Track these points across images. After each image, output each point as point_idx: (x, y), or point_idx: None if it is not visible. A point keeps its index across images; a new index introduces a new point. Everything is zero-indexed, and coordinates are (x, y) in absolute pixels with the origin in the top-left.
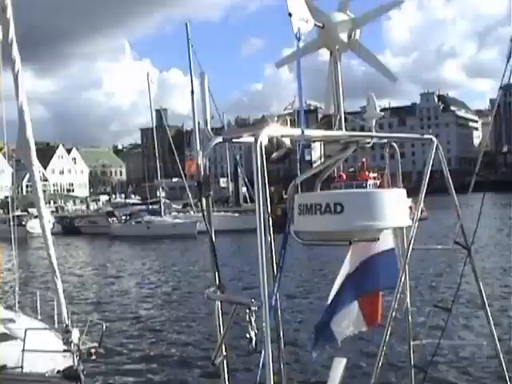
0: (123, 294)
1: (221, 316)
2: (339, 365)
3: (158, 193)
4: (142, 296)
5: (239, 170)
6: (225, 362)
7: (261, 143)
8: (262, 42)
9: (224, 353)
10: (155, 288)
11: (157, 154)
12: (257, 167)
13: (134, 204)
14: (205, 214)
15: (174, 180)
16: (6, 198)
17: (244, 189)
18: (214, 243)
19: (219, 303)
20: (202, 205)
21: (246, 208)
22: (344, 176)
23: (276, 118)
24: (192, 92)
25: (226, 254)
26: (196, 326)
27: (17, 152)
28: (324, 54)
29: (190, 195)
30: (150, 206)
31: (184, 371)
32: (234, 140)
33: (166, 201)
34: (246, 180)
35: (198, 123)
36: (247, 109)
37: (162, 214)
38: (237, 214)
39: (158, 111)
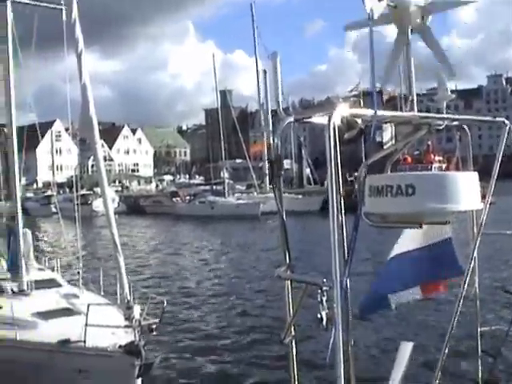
0: (186, 272)
1: (290, 295)
2: (406, 349)
3: (221, 173)
4: (204, 275)
5: (303, 151)
6: (293, 341)
7: (334, 123)
8: (326, 23)
9: (293, 332)
10: (218, 267)
11: (221, 135)
12: (329, 147)
13: (197, 184)
14: (276, 193)
15: (238, 161)
16: (72, 177)
17: (307, 170)
18: (285, 223)
19: (289, 283)
20: (273, 184)
21: (310, 190)
22: (409, 159)
23: (341, 100)
24: (257, 73)
25: (289, 235)
26: (259, 304)
27: (80, 131)
28: (387, 36)
29: (253, 176)
30: (214, 187)
31: (250, 350)
32: (305, 120)
33: (230, 182)
34: (310, 161)
35: (263, 104)
36: (311, 90)
37: (226, 194)
38: (300, 196)
39: (222, 92)
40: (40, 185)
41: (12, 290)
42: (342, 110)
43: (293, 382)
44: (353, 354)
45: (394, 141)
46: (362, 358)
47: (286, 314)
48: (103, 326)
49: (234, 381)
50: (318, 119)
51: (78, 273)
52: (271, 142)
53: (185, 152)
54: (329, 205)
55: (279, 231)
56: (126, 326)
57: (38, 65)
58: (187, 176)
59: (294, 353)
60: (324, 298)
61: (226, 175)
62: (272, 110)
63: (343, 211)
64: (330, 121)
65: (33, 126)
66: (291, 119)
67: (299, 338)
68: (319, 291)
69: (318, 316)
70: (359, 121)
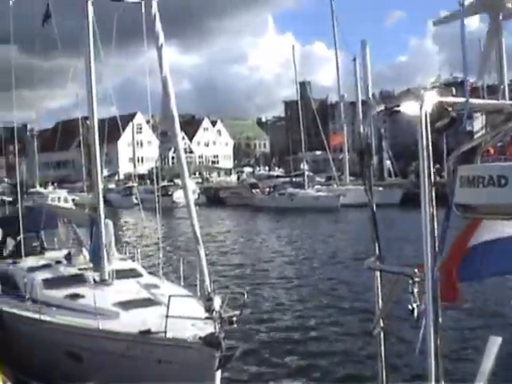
0: (265, 263)
1: (380, 287)
2: (494, 344)
3: (301, 165)
4: (284, 267)
5: (383, 143)
6: (382, 333)
7: (426, 112)
8: (406, 14)
9: (382, 324)
10: (297, 259)
11: (301, 127)
12: (421, 137)
13: (277, 176)
14: (366, 184)
15: (318, 153)
16: (153, 168)
17: (388, 162)
18: (375, 213)
19: (378, 274)
20: (363, 175)
21: (390, 182)
22: (492, 150)
23: (422, 91)
24: (337, 64)
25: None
26: (340, 295)
27: (162, 124)
28: (471, 25)
29: (333, 168)
30: (294, 179)
31: (333, 342)
32: (395, 109)
33: (310, 173)
34: (390, 153)
35: (343, 96)
36: (391, 81)
37: (306, 186)
38: (380, 188)
39: (302, 84)
40: (121, 176)
41: (94, 280)
42: (433, 98)
43: (381, 374)
44: (442, 347)
45: (484, 130)
46: (448, 350)
47: (374, 305)
48: (184, 318)
49: (317, 374)
50: (408, 108)
51: (159, 263)
52: (360, 131)
53: (264, 144)
54: (421, 195)
55: (369, 222)
56: (206, 318)
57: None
58: (267, 168)
59: (383, 345)
60: (415, 290)
61: (306, 167)
62: (351, 102)
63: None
64: (421, 109)
65: (114, 119)
66: (381, 108)
67: (388, 329)
68: (410, 282)
69: (410, 307)
70: (450, 109)
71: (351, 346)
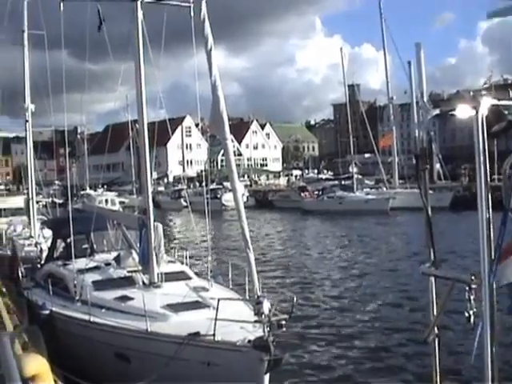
0: (314, 267)
1: (434, 293)
2: None
3: (350, 168)
4: (334, 271)
5: (433, 146)
6: (437, 340)
7: (482, 116)
8: (455, 15)
9: (436, 331)
10: (347, 263)
11: (350, 130)
12: (478, 140)
13: (326, 179)
14: (422, 188)
15: (367, 155)
16: (202, 171)
17: (437, 165)
18: (430, 218)
19: (433, 280)
20: (418, 179)
21: (440, 185)
22: None
23: (471, 93)
24: (385, 66)
25: (420, 231)
26: (390, 300)
27: (211, 127)
28: None
29: (382, 171)
30: (343, 182)
31: (382, 348)
32: (451, 113)
33: (359, 176)
34: (440, 156)
35: (392, 98)
36: (440, 84)
37: (355, 189)
38: (430, 191)
39: (350, 86)
40: (171, 179)
41: (143, 282)
42: (489, 102)
43: (435, 382)
44: (497, 355)
45: None
46: (503, 359)
47: (429, 311)
48: (233, 321)
49: (366, 380)
50: (464, 112)
51: (207, 266)
52: (416, 135)
53: (313, 147)
54: (477, 200)
55: (425, 227)
56: (255, 321)
57: (167, 61)
58: (315, 171)
59: (437, 352)
60: (472, 296)
61: (355, 170)
62: (400, 104)
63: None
64: (477, 113)
65: (163, 122)
66: (436, 111)
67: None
68: (467, 289)
69: (466, 314)
70: (506, 112)
71: (403, 353)
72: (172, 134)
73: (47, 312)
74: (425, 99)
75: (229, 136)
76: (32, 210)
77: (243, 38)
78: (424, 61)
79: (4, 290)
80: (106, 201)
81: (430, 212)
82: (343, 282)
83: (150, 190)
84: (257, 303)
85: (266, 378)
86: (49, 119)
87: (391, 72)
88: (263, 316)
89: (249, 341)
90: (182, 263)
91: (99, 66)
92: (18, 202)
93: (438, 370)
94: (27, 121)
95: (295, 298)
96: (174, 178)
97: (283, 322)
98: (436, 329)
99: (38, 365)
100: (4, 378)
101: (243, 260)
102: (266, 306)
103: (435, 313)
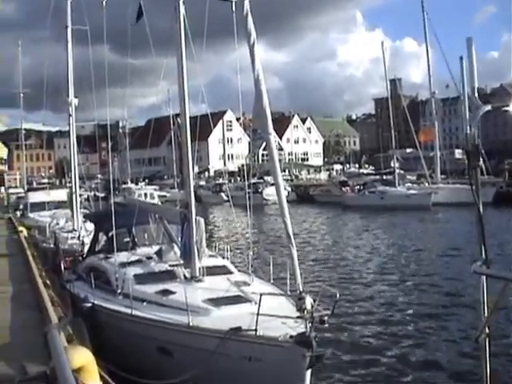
0: (355, 263)
1: (486, 292)
2: None
3: (391, 163)
4: (375, 267)
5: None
6: (488, 340)
7: None
8: (497, 8)
9: (487, 330)
10: (389, 258)
11: (391, 124)
12: None
13: (367, 174)
14: (473, 185)
15: (408, 150)
16: (243, 166)
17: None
18: (482, 216)
19: (485, 279)
20: (469, 176)
21: (483, 180)
22: None
23: None
24: (428, 60)
25: (461, 227)
26: (434, 299)
27: (253, 121)
28: None
29: (424, 166)
30: (384, 177)
31: (428, 347)
32: (504, 109)
33: (400, 171)
34: (483, 151)
35: (434, 92)
36: (483, 78)
37: (396, 184)
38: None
39: (392, 81)
40: (212, 173)
41: (185, 276)
42: None
43: (485, 382)
44: None
45: None
46: None
47: (480, 310)
48: (275, 316)
49: (410, 379)
50: None
51: (249, 261)
52: (467, 131)
53: (354, 141)
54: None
55: (476, 224)
56: (297, 317)
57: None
58: (357, 165)
59: (488, 352)
60: None
61: (397, 165)
62: (442, 99)
63: None
64: None
65: (205, 116)
66: (488, 108)
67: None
68: None
69: None
70: None
71: (450, 352)
72: (213, 128)
73: (89, 305)
74: (476, 95)
75: (272, 130)
76: (75, 204)
77: (284, 33)
78: (475, 56)
79: (48, 282)
80: (145, 195)
81: (481, 210)
82: (385, 279)
83: (192, 184)
84: (299, 299)
85: (308, 374)
86: (90, 114)
87: (433, 66)
88: (305, 312)
89: (291, 336)
90: (223, 257)
91: (140, 61)
92: (61, 195)
93: (488, 371)
94: (70, 115)
95: (338, 294)
96: (215, 172)
97: (325, 318)
98: (487, 329)
99: (83, 357)
100: (54, 370)
101: (284, 255)
102: (309, 301)
103: (486, 312)
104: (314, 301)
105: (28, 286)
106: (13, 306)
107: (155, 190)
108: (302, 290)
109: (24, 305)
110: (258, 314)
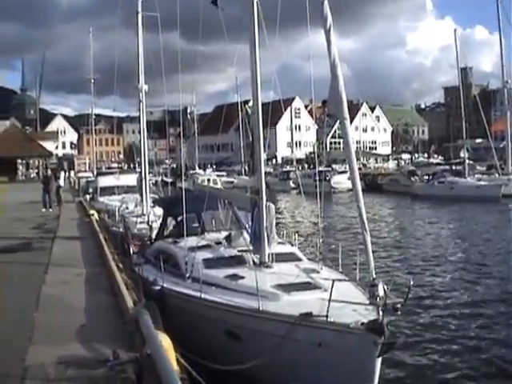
0: (424, 253)
1: None
2: None
3: (461, 153)
4: (444, 257)
5: None
6: None
7: None
8: None
9: None
10: (457, 249)
11: (462, 114)
12: None
13: (436, 164)
14: None
15: (478, 141)
16: (311, 153)
17: None
18: None
19: None
20: None
21: None
22: None
23: None
24: (501, 49)
25: None
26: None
27: (328, 106)
28: None
29: (495, 157)
30: (454, 167)
31: (501, 341)
32: None
33: (470, 162)
34: None
35: (506, 82)
36: None
37: (466, 175)
38: None
39: (463, 69)
40: (279, 160)
41: (253, 262)
42: None
43: None
44: None
45: None
46: None
47: None
48: (347, 303)
49: (481, 374)
50: None
51: (318, 248)
52: None
53: (423, 130)
54: None
55: None
56: (370, 304)
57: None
58: (425, 155)
59: None
60: None
61: (466, 155)
62: None
63: None
64: None
65: (273, 103)
66: None
67: None
68: None
69: None
70: None
71: None
72: (282, 115)
73: (158, 288)
74: None
75: (347, 116)
76: (144, 189)
77: (353, 20)
78: None
79: (120, 265)
80: (209, 180)
81: None
82: (453, 270)
83: (263, 170)
84: (372, 285)
85: (378, 361)
86: (159, 99)
87: (506, 55)
88: (378, 299)
89: (362, 323)
90: (292, 245)
91: (208, 48)
92: (130, 180)
93: None
94: (141, 101)
95: (411, 282)
96: (283, 159)
97: (398, 306)
98: None
99: (164, 341)
100: (149, 355)
101: (352, 242)
102: (381, 288)
103: None
104: (387, 288)
105: (101, 269)
106: (87, 288)
107: (223, 175)
108: (374, 276)
109: (98, 288)
110: (329, 300)
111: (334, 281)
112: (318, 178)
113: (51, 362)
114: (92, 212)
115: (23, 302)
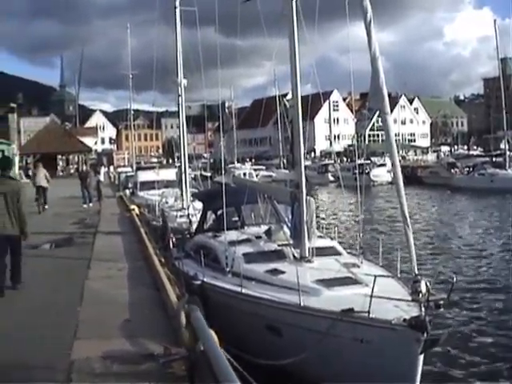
0: (465, 246)
1: None
2: None
3: (501, 145)
4: (486, 251)
5: None
6: None
7: None
8: None
9: None
10: (499, 244)
11: (503, 105)
12: None
13: (476, 156)
14: None
15: None
16: (350, 146)
17: None
18: None
19: None
20: None
21: None
22: None
23: None
24: None
25: None
26: None
27: (369, 100)
28: None
29: None
30: (494, 159)
31: None
32: None
33: (511, 153)
34: None
35: None
36: None
37: (507, 167)
38: None
39: (502, 60)
40: (317, 154)
41: (294, 256)
42: None
43: None
44: None
45: None
46: None
47: None
48: (389, 299)
49: None
50: None
51: (358, 242)
52: None
53: (462, 122)
54: None
55: None
56: (412, 300)
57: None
58: (465, 147)
59: None
60: None
61: (507, 146)
62: None
63: None
64: None
65: (311, 97)
66: None
67: None
68: None
69: None
70: None
71: None
72: (320, 108)
73: (199, 282)
74: None
75: (388, 110)
76: (184, 183)
77: (389, 12)
78: None
79: (162, 260)
80: (244, 174)
81: None
82: (497, 264)
83: (303, 164)
84: (414, 281)
85: (421, 358)
86: (196, 94)
87: None
88: (420, 295)
89: (404, 319)
90: (332, 239)
91: (245, 42)
92: (169, 174)
93: None
94: (180, 95)
95: (455, 278)
96: (321, 152)
97: (441, 303)
98: None
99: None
100: (202, 351)
101: (392, 236)
102: (424, 284)
103: None
104: (430, 284)
105: (143, 263)
106: (130, 283)
107: (261, 169)
108: (416, 272)
109: (141, 282)
110: (371, 296)
111: (376, 276)
112: (357, 171)
113: (97, 356)
114: (133, 207)
115: (67, 297)
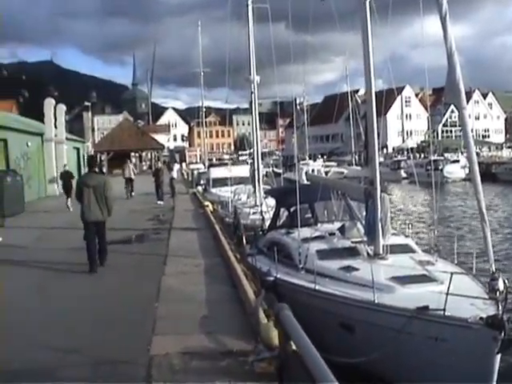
0: None
1: None
2: None
3: None
4: None
5: None
6: None
7: None
8: None
9: None
10: None
11: None
12: None
13: None
14: None
15: None
16: (422, 142)
17: None
18: None
19: None
20: None
21: None
22: None
23: None
24: None
25: None
26: None
27: (446, 95)
28: None
29: None
30: None
31: None
32: None
33: None
34: None
35: None
36: None
37: None
38: None
39: None
40: (390, 150)
41: (367, 253)
42: None
43: None
44: None
45: None
46: None
47: None
48: (466, 297)
49: None
50: None
51: (433, 239)
52: None
53: None
54: None
55: None
56: (489, 298)
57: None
58: None
59: None
60: None
61: None
62: None
63: None
64: None
65: (383, 92)
66: None
67: None
68: None
69: None
70: None
71: None
72: (392, 104)
73: (272, 279)
74: None
75: (465, 105)
76: (257, 180)
77: (461, 5)
78: None
79: (238, 256)
80: (313, 170)
81: None
82: None
83: (378, 160)
84: (492, 279)
85: (497, 358)
86: (266, 91)
87: None
88: (498, 293)
89: (481, 318)
90: (406, 236)
91: (314, 38)
92: (242, 171)
93: None
94: (252, 92)
95: None
96: (393, 148)
97: None
98: None
99: None
100: (295, 351)
101: (466, 234)
102: (501, 282)
103: None
104: (508, 282)
105: (219, 259)
106: (206, 279)
107: (333, 166)
108: (494, 269)
109: (217, 278)
110: (447, 294)
111: (452, 274)
112: (432, 168)
113: (176, 352)
114: (207, 203)
115: (144, 293)
